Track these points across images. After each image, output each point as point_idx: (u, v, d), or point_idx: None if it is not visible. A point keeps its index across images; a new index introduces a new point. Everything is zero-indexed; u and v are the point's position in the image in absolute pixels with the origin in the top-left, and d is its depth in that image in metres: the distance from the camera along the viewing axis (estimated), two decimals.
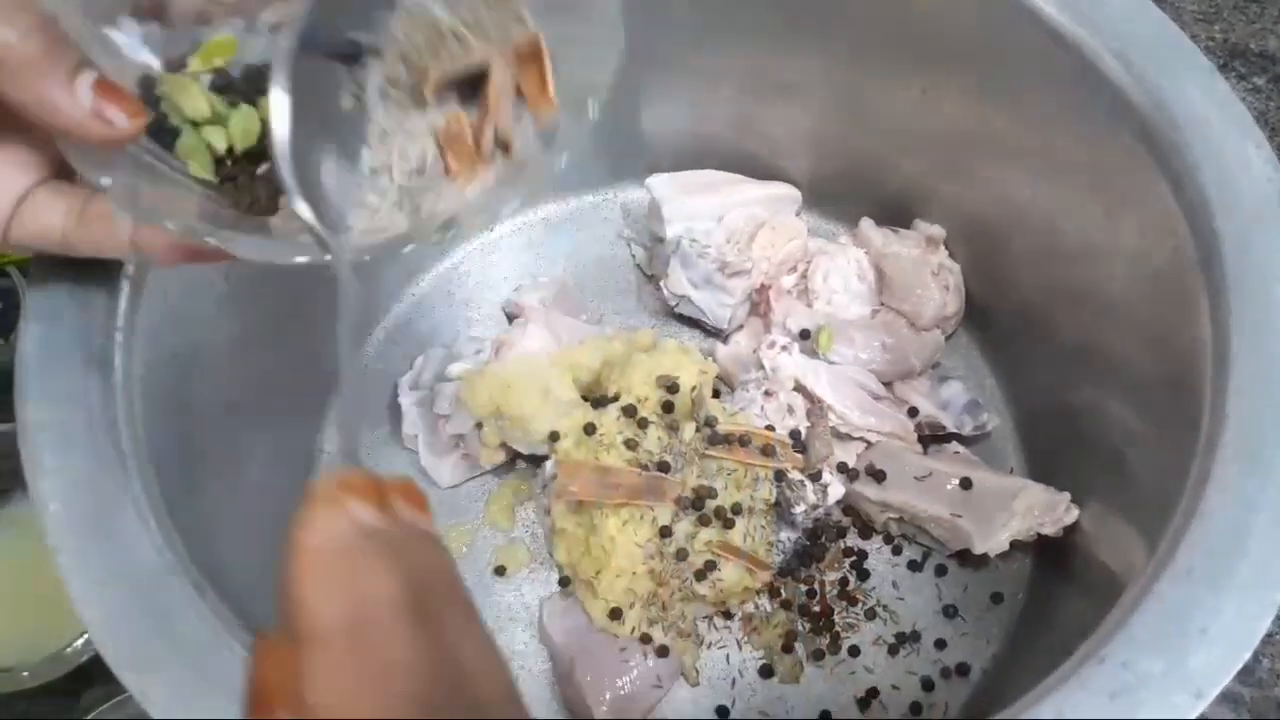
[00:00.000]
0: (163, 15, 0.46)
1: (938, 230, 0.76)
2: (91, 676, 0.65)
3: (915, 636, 0.68)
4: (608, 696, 0.64)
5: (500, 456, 0.71)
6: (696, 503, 0.65)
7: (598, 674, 0.64)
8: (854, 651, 0.67)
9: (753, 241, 0.75)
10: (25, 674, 0.63)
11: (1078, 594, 0.64)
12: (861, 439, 0.71)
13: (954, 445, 0.72)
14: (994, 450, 0.74)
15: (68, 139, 0.42)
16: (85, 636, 0.63)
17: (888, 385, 0.74)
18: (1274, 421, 0.48)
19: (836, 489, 0.68)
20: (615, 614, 0.64)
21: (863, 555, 0.70)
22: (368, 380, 0.76)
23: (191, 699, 0.42)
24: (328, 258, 0.41)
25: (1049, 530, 0.65)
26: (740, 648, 0.68)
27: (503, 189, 0.45)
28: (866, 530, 0.71)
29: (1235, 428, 0.48)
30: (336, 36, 0.45)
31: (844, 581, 0.69)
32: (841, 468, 0.69)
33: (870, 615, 0.68)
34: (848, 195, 0.80)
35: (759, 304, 0.77)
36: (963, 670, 0.66)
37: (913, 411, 0.72)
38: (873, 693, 0.66)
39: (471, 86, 0.47)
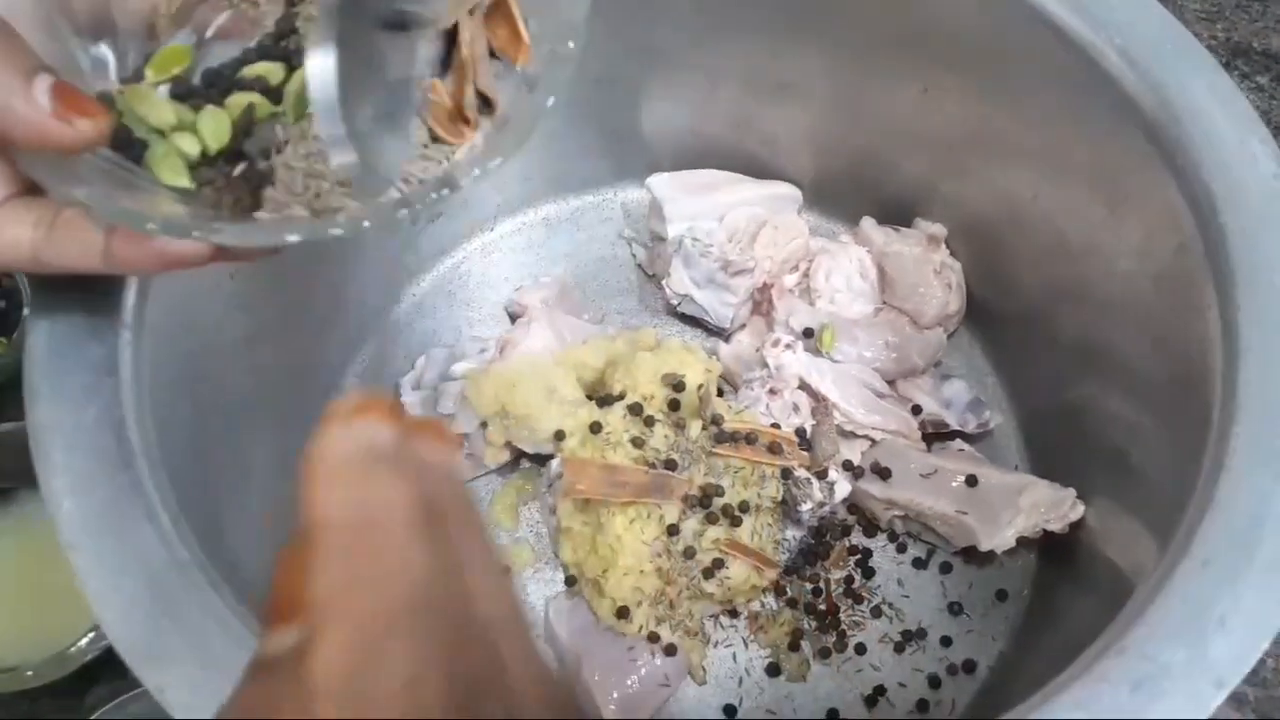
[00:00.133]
0: (108, 34, 0.46)
1: (939, 229, 0.76)
2: (96, 675, 0.64)
3: (921, 634, 0.68)
4: (615, 695, 0.63)
5: (505, 456, 0.71)
6: (704, 501, 0.65)
7: (605, 673, 0.64)
8: (860, 649, 0.67)
9: (755, 241, 0.75)
10: (29, 673, 0.62)
11: (1083, 590, 0.64)
12: (866, 437, 0.71)
13: (958, 443, 0.73)
14: (997, 448, 0.74)
15: (28, 147, 0.40)
16: (89, 636, 0.62)
17: (890, 384, 0.74)
18: None
19: (843, 487, 0.68)
20: (623, 613, 0.64)
21: (868, 553, 0.70)
22: (366, 380, 0.76)
23: (209, 695, 0.42)
24: (336, 231, 0.40)
25: (1055, 527, 0.65)
26: (747, 646, 0.68)
27: (491, 145, 0.44)
28: (871, 528, 0.71)
29: (1246, 420, 0.49)
30: (385, 6, 0.44)
31: (849, 579, 0.69)
32: (847, 465, 0.70)
33: (876, 613, 0.68)
34: (848, 194, 0.80)
35: (761, 303, 0.77)
36: (969, 667, 0.66)
37: (916, 409, 0.72)
38: (880, 690, 0.66)
39: (447, 52, 0.47)
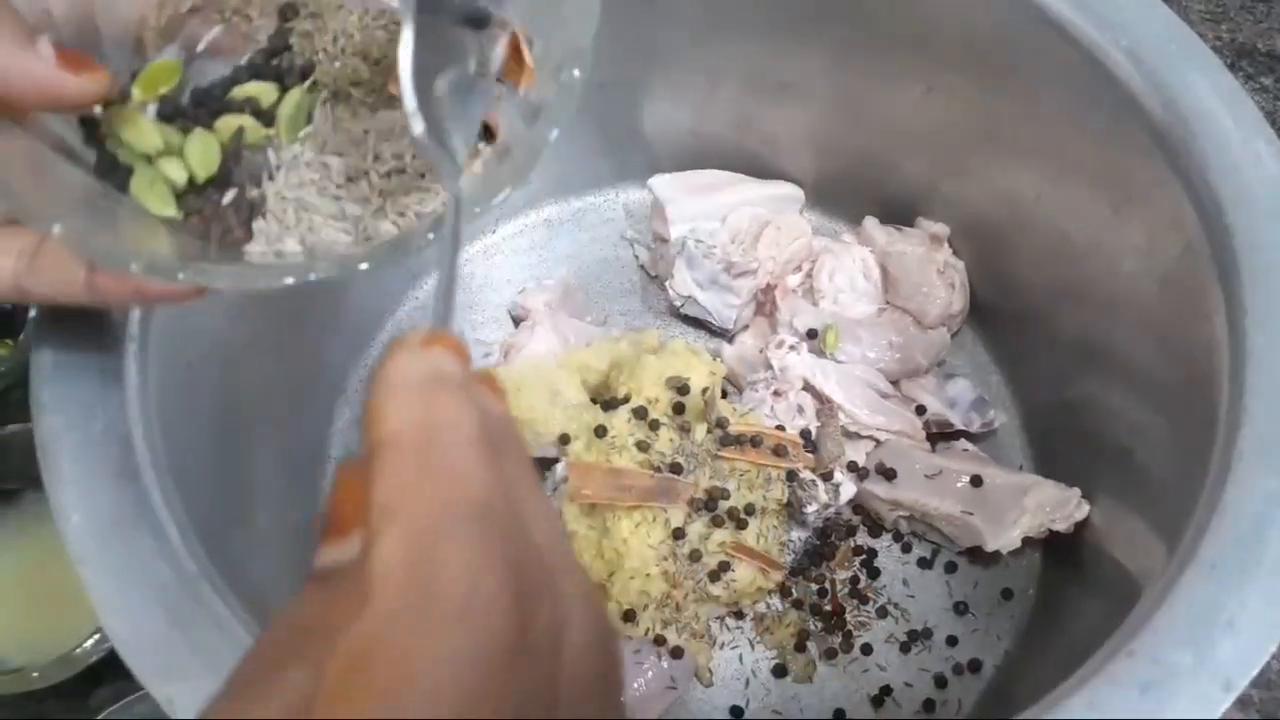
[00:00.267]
0: (93, 47, 0.44)
1: (941, 228, 0.76)
2: (101, 677, 0.64)
3: (927, 634, 0.68)
4: (622, 698, 0.63)
5: None
6: (709, 504, 0.65)
7: None
8: (866, 650, 0.67)
9: (757, 241, 0.75)
10: (35, 674, 0.62)
11: (1088, 589, 0.64)
12: (870, 437, 0.71)
13: (962, 443, 0.73)
14: (1001, 447, 0.74)
15: (37, 105, 0.39)
16: (94, 637, 0.62)
17: (894, 384, 0.74)
18: None
19: (849, 488, 0.68)
20: (629, 616, 0.64)
21: (873, 553, 0.70)
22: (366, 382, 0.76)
23: None
24: (312, 277, 0.38)
25: (1060, 526, 0.65)
26: (753, 648, 0.68)
27: (493, 175, 0.43)
28: (876, 528, 0.71)
29: (1253, 422, 0.49)
30: (466, 2, 0.43)
31: (855, 580, 0.69)
32: (851, 466, 0.70)
33: (882, 613, 0.68)
34: (851, 194, 0.80)
35: (764, 304, 0.77)
36: (975, 667, 0.66)
37: (920, 409, 0.72)
38: (886, 690, 0.66)
39: None
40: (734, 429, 0.67)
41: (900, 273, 0.75)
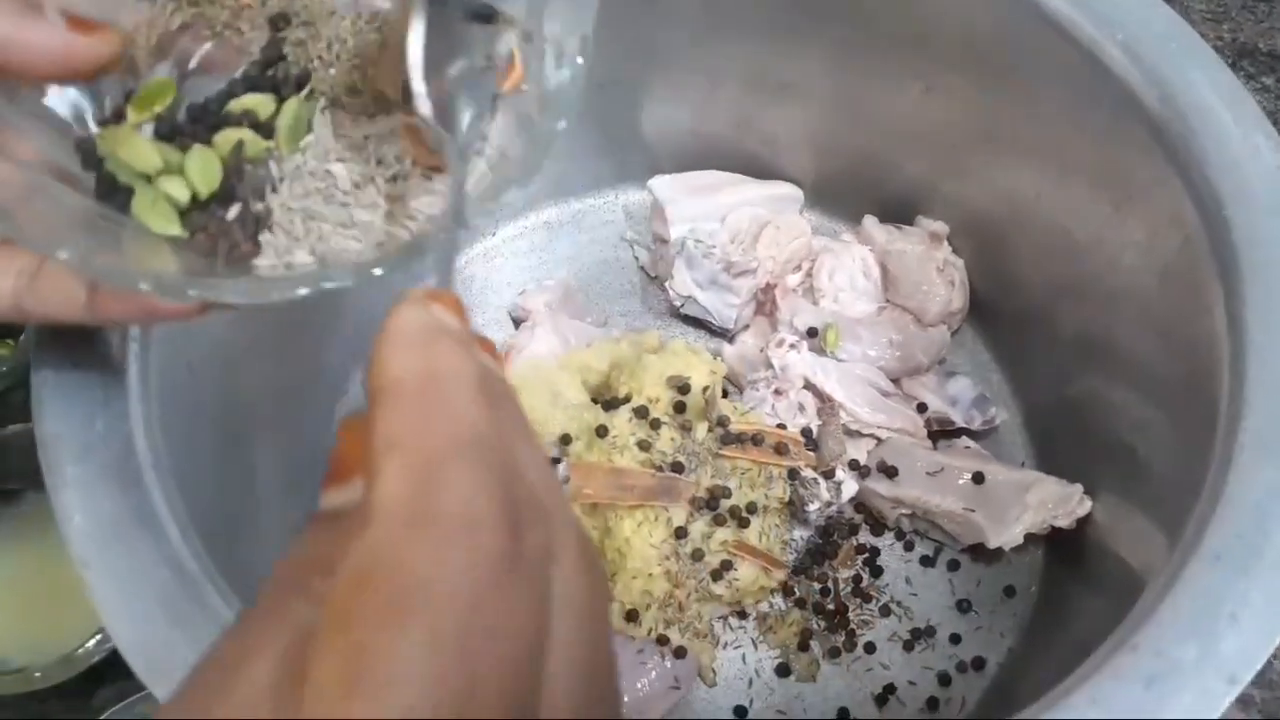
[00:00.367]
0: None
1: (941, 226, 0.76)
2: (103, 676, 0.65)
3: (930, 632, 0.68)
4: (626, 699, 0.63)
5: None
6: (711, 503, 0.65)
7: None
8: (870, 648, 0.67)
9: (757, 241, 0.75)
10: (37, 674, 0.62)
11: (1091, 585, 0.64)
12: (872, 436, 0.71)
13: (964, 440, 0.73)
14: (1002, 444, 0.74)
15: (48, 75, 0.39)
16: (97, 637, 0.63)
17: (895, 382, 0.74)
18: None
19: (850, 486, 0.68)
20: (632, 616, 0.64)
21: (875, 552, 0.70)
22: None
23: None
24: (325, 286, 0.39)
25: (1062, 522, 0.65)
26: (756, 647, 0.68)
27: (495, 178, 0.42)
28: (878, 527, 0.71)
29: (1254, 415, 0.48)
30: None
31: (857, 578, 0.69)
32: (853, 465, 0.70)
33: (885, 612, 0.68)
34: (850, 193, 0.80)
35: (764, 303, 0.77)
36: (978, 664, 0.66)
37: (921, 407, 0.72)
38: (890, 689, 0.66)
39: None
40: (735, 427, 0.67)
41: (900, 271, 0.75)
